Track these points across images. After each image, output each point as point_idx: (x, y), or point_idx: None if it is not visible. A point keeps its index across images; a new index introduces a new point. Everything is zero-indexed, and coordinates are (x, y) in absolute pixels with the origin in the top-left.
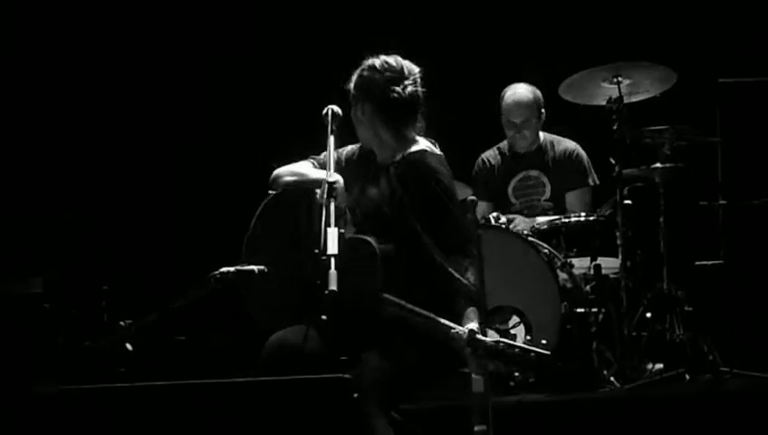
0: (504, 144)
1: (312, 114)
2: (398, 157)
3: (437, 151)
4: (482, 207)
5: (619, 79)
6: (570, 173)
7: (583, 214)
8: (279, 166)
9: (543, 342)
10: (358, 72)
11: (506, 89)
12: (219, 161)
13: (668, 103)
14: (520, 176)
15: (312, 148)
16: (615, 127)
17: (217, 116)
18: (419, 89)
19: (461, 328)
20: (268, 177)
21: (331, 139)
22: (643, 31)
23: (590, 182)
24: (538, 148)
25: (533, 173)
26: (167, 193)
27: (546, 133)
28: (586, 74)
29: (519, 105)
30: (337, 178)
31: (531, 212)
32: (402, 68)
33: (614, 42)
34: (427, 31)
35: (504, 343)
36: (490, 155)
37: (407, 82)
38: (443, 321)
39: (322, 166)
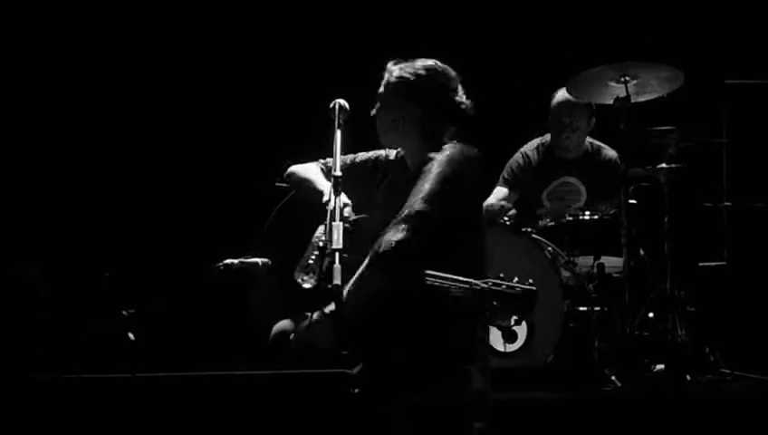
0: (545, 142)
1: (318, 109)
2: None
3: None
4: (501, 192)
5: (627, 78)
6: (608, 182)
7: (588, 213)
8: (290, 163)
9: (530, 281)
10: (402, 72)
11: (558, 90)
12: (226, 153)
13: (675, 104)
14: (559, 181)
15: (317, 142)
16: (621, 126)
17: (226, 109)
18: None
19: None
20: (273, 171)
21: (338, 133)
22: (651, 31)
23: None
24: (583, 154)
25: (572, 180)
26: (173, 182)
27: (591, 139)
28: (594, 73)
29: (570, 103)
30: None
31: (559, 216)
32: (453, 74)
33: (622, 41)
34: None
35: (490, 282)
36: (531, 153)
37: (460, 91)
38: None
39: (329, 170)
